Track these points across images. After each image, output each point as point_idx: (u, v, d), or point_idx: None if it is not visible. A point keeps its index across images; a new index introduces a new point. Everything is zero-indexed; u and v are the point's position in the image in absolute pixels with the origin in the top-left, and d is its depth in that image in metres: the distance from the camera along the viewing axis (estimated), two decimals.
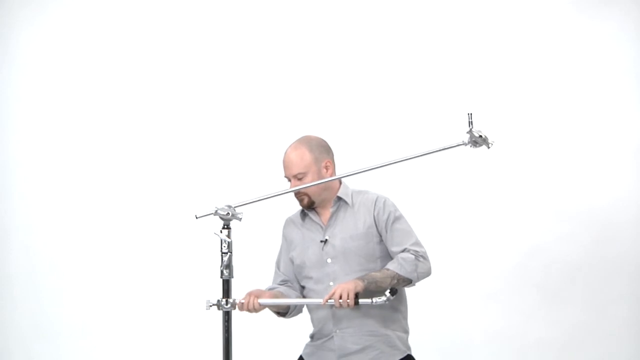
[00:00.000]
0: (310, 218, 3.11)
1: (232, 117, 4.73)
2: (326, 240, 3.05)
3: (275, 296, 2.99)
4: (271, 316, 3.18)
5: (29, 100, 4.90)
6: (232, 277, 2.75)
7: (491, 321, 4.40)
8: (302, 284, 3.13)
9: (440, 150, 2.87)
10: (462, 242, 4.44)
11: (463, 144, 2.84)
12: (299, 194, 3.05)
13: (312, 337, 3.14)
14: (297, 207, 3.16)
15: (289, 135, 3.20)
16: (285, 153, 3.08)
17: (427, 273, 2.98)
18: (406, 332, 3.09)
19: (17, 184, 4.88)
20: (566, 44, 4.46)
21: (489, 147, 2.87)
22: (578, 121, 4.42)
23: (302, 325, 3.26)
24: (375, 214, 3.03)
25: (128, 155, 4.80)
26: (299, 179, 3.02)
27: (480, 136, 2.82)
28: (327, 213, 3.09)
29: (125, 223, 4.76)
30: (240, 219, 2.75)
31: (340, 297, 2.80)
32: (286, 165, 3.06)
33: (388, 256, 3.02)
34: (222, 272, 2.74)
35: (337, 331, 3.02)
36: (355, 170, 2.91)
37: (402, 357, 3.02)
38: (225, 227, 2.74)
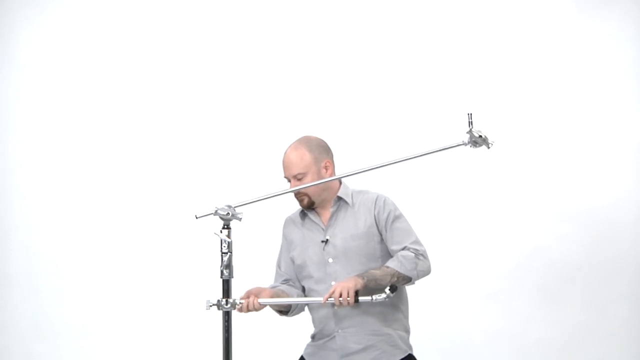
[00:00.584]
0: (310, 218, 3.11)
1: (232, 117, 4.73)
2: (327, 240, 3.05)
3: (276, 294, 2.99)
4: (272, 316, 3.18)
5: (29, 100, 4.91)
6: (232, 277, 2.75)
7: (491, 321, 4.40)
8: (303, 283, 3.13)
9: (440, 150, 2.88)
10: (463, 242, 4.44)
11: (463, 144, 2.84)
12: (298, 194, 3.05)
13: (313, 337, 3.14)
14: (297, 207, 3.16)
15: (289, 136, 3.20)
16: (285, 153, 3.08)
17: (427, 271, 2.98)
18: (407, 331, 3.09)
19: (17, 184, 4.88)
20: (566, 44, 4.46)
21: (489, 147, 2.87)
22: (578, 121, 4.42)
23: (302, 325, 3.26)
24: (376, 213, 3.03)
25: (128, 156, 4.80)
26: (299, 179, 3.02)
27: (480, 136, 2.82)
28: (327, 213, 3.09)
29: (125, 223, 4.76)
30: (240, 219, 2.75)
31: (340, 295, 2.81)
32: (286, 166, 3.06)
33: (389, 255, 3.02)
34: (222, 272, 2.74)
35: (339, 331, 3.01)
36: (355, 170, 2.91)
37: (403, 356, 3.02)
38: (225, 227, 2.74)
